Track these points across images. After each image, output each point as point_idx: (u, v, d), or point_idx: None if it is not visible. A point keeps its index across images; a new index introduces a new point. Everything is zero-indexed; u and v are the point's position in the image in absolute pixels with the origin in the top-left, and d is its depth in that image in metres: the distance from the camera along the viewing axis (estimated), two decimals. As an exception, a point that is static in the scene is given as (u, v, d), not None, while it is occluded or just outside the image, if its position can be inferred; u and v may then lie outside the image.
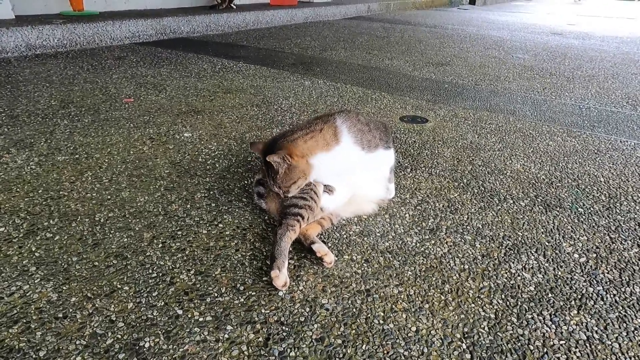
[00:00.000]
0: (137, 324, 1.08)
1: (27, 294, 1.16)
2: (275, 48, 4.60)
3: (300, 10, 6.71)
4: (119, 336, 1.04)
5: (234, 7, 6.07)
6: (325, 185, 1.49)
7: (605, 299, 1.23)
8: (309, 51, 4.52)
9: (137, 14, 5.02)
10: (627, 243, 1.49)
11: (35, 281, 1.20)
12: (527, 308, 1.19)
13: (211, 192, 1.71)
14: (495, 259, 1.39)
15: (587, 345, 1.08)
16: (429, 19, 7.93)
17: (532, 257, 1.40)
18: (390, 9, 9.12)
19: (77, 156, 1.96)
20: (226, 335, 1.06)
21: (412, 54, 4.59)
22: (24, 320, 1.07)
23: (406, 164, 2.02)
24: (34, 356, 0.98)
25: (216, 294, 1.19)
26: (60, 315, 1.10)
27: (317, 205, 1.45)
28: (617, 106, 3.02)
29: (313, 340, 1.06)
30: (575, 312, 1.18)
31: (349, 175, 1.53)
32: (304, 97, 2.96)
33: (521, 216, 1.63)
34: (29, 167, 1.83)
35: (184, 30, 5.06)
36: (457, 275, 1.31)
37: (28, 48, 3.80)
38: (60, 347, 1.01)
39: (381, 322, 1.12)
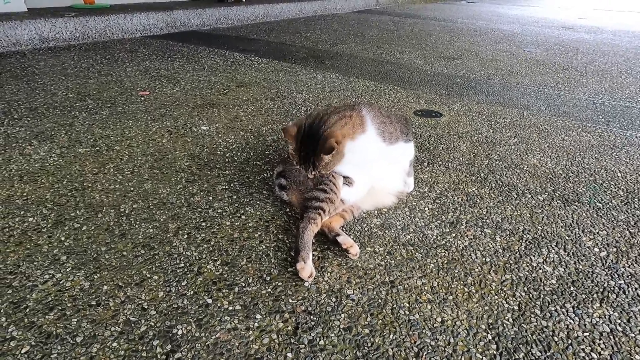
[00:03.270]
0: (169, 312, 1.11)
1: (60, 282, 1.18)
2: (285, 41, 4.60)
3: (309, 4, 6.69)
4: (152, 323, 1.07)
5: (243, 0, 6.05)
6: (344, 177, 1.51)
7: (627, 293, 1.25)
8: (319, 45, 4.52)
9: (148, 6, 5.02)
10: (647, 238, 1.50)
11: (67, 270, 1.23)
12: (549, 300, 1.21)
13: (232, 185, 1.73)
14: (516, 252, 1.40)
15: (611, 337, 1.10)
16: (438, 12, 7.88)
17: (553, 251, 1.41)
18: (398, 2, 9.07)
19: (97, 148, 1.98)
20: (256, 324, 1.09)
21: (423, 48, 4.58)
22: (59, 307, 1.10)
23: (423, 158, 2.03)
24: (71, 342, 1.01)
25: (243, 284, 1.21)
26: (94, 302, 1.12)
27: (337, 198, 1.47)
28: (631, 101, 3.01)
29: (341, 330, 1.08)
30: (598, 305, 1.20)
31: (369, 167, 1.54)
32: (317, 90, 2.97)
33: (540, 210, 1.64)
34: (51, 159, 1.86)
35: (194, 24, 5.06)
36: (479, 267, 1.32)
37: (41, 41, 3.82)
38: (96, 333, 1.03)
39: (407, 312, 1.14)
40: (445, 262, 1.34)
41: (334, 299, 1.18)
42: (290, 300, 1.17)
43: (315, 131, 1.35)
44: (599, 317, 1.16)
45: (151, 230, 1.42)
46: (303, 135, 1.37)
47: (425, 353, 1.03)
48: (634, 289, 1.26)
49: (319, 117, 1.39)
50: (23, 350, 0.98)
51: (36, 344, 1.00)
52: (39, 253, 1.29)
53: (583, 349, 1.06)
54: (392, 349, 1.04)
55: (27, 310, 1.09)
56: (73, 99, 2.57)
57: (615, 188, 1.83)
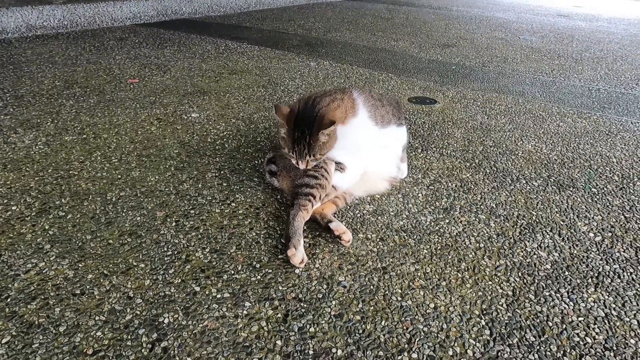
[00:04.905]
0: (155, 301, 1.08)
1: (44, 271, 1.15)
2: (278, 29, 4.54)
3: (303, -8, 6.58)
4: (138, 312, 1.04)
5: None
6: (336, 163, 1.48)
7: (622, 277, 1.23)
8: (313, 32, 4.46)
9: (138, -6, 4.92)
10: (642, 222, 1.49)
11: (51, 258, 1.20)
12: (544, 285, 1.19)
13: (222, 172, 1.69)
14: (511, 238, 1.38)
15: (606, 321, 1.08)
16: (433, 0, 7.80)
17: (548, 236, 1.40)
18: (393, -10, 8.95)
19: (84, 136, 1.94)
20: (245, 312, 1.06)
21: (418, 36, 4.52)
22: (42, 297, 1.07)
23: (417, 145, 2.00)
24: (54, 331, 0.98)
25: (232, 272, 1.19)
26: (78, 291, 1.09)
27: (328, 184, 1.44)
28: (626, 87, 2.99)
29: (332, 317, 1.06)
30: (593, 289, 1.18)
31: (362, 152, 1.51)
32: (310, 78, 2.92)
33: (535, 196, 1.62)
34: (37, 147, 1.81)
35: (185, 12, 4.98)
36: (473, 253, 1.30)
37: (28, 29, 3.74)
38: (80, 323, 1.00)
39: (399, 298, 1.12)
40: (438, 248, 1.32)
41: (325, 286, 1.15)
42: (280, 288, 1.14)
43: (310, 111, 1.32)
44: (594, 302, 1.14)
45: (138, 218, 1.39)
46: (297, 116, 1.33)
47: (417, 339, 1.01)
48: (629, 274, 1.24)
49: (312, 99, 1.36)
50: (3, 341, 0.95)
51: (17, 334, 0.97)
52: (22, 242, 1.26)
53: (577, 334, 1.04)
54: (383, 335, 1.02)
55: (9, 299, 1.06)
56: (60, 87, 2.51)
57: (610, 173, 1.81)
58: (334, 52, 3.68)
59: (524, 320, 1.07)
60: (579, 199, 1.61)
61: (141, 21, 4.56)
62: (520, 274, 1.23)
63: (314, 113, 1.32)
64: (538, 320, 1.08)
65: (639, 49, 4.27)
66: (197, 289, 1.12)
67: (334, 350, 0.98)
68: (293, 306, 1.08)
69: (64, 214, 1.39)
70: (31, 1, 3.95)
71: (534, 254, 1.31)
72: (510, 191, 1.65)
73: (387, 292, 1.14)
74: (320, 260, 1.25)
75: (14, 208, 1.41)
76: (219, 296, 1.10)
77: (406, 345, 0.99)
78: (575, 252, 1.33)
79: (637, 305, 1.13)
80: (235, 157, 1.82)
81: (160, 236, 1.31)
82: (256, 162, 1.78)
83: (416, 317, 1.07)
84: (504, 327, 1.05)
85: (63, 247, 1.25)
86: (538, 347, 1.00)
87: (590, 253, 1.33)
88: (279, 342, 0.99)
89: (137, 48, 3.45)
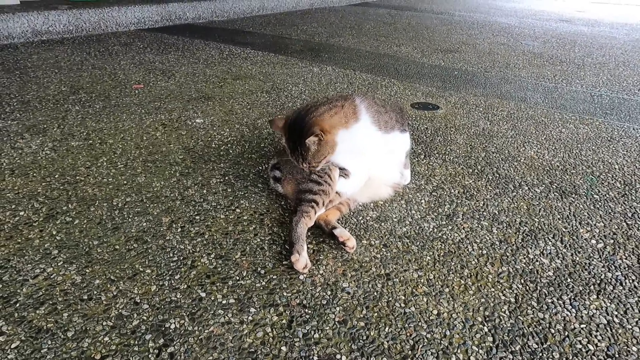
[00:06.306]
0: (162, 306, 1.09)
1: (51, 277, 1.17)
2: (282, 34, 4.56)
3: (306, -4, 6.62)
4: (145, 318, 1.06)
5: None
6: (340, 169, 1.49)
7: (624, 284, 1.24)
8: (316, 37, 4.48)
9: (142, -1, 4.96)
10: (644, 229, 1.49)
11: (59, 264, 1.21)
12: (546, 292, 1.20)
13: (226, 178, 1.71)
14: (513, 245, 1.39)
15: (608, 329, 1.09)
16: (435, 5, 7.83)
17: (550, 243, 1.40)
18: (395, -5, 8.99)
19: (90, 142, 1.96)
20: (250, 318, 1.07)
21: (420, 41, 4.55)
22: (50, 302, 1.09)
23: (420, 151, 2.02)
24: (62, 336, 1.00)
25: (237, 277, 1.20)
26: (85, 297, 1.11)
27: (332, 190, 1.45)
28: (629, 93, 3.00)
29: (336, 323, 1.07)
30: (595, 296, 1.19)
31: (365, 157, 1.52)
32: (313, 83, 2.94)
33: (537, 202, 1.63)
34: (43, 152, 1.83)
35: (189, 17, 5.01)
36: (476, 260, 1.31)
37: (34, 34, 3.77)
38: (88, 328, 1.02)
39: (402, 305, 1.13)
40: (441, 254, 1.33)
41: (329, 292, 1.16)
42: (285, 294, 1.15)
43: (301, 121, 1.34)
44: (596, 309, 1.15)
45: (144, 224, 1.41)
46: (290, 125, 1.36)
47: (421, 346, 1.02)
48: (630, 281, 1.25)
49: (307, 108, 1.38)
50: (13, 346, 0.97)
51: (26, 339, 0.99)
52: (29, 247, 1.27)
53: (580, 341, 1.05)
54: (387, 342, 1.03)
55: (17, 305, 1.08)
56: (66, 92, 2.54)
57: (612, 180, 1.82)
58: (336, 57, 3.71)
59: (527, 327, 1.08)
60: (581, 206, 1.62)
61: (145, 26, 4.60)
62: (522, 281, 1.24)
63: (303, 123, 1.34)
64: (540, 327, 1.08)
65: (641, 54, 4.28)
66: (203, 294, 1.14)
67: (338, 356, 0.99)
68: (297, 312, 1.10)
69: (71, 219, 1.41)
70: (37, 6, 3.99)
71: (537, 260, 1.32)
72: (512, 198, 1.66)
73: (390, 298, 1.15)
74: (324, 267, 1.26)
75: (21, 213, 1.43)
76: (224, 302, 1.12)
77: (410, 352, 1.00)
78: (578, 259, 1.34)
79: (639, 312, 1.14)
80: (240, 162, 1.84)
81: (166, 242, 1.33)
82: (260, 167, 1.80)
83: (419, 323, 1.08)
84: (506, 334, 1.06)
85: (70, 252, 1.26)
86: (540, 355, 1.01)
87: (593, 260, 1.33)
88: (284, 348, 1.00)
89: (141, 53, 3.48)
